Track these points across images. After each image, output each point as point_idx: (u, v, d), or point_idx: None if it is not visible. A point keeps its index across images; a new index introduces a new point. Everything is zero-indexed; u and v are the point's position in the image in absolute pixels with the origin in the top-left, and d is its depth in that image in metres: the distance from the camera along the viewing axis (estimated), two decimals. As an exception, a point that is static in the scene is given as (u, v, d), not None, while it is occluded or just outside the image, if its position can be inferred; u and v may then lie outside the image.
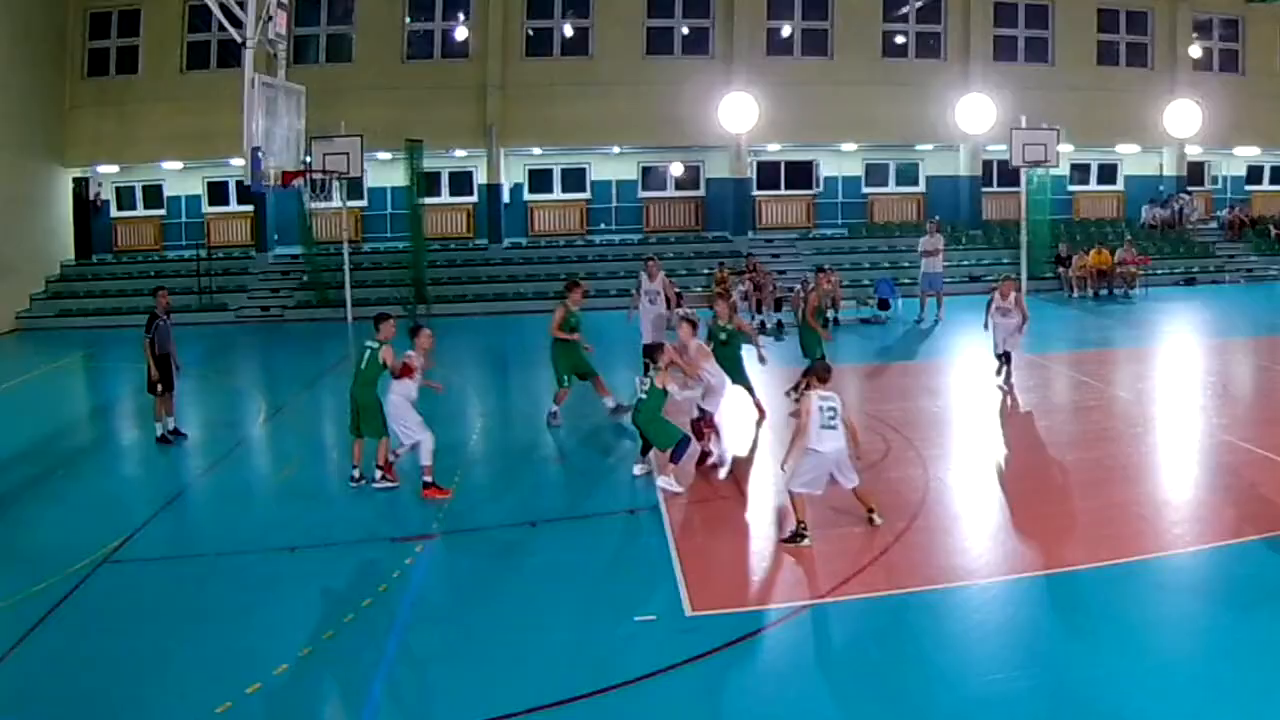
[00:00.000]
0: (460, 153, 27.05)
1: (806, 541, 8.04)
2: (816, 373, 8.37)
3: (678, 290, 18.13)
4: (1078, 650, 6.29)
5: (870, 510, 8.45)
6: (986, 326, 14.29)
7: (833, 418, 7.97)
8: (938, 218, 24.00)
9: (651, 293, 15.14)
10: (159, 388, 12.19)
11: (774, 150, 28.09)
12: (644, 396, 9.82)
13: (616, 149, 27.91)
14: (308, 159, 19.95)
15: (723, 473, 10.25)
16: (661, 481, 9.67)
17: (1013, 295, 14.02)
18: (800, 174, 29.31)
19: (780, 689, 6.24)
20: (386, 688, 6.18)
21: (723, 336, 11.76)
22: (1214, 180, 31.67)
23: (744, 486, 9.96)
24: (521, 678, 6.20)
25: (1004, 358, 14.07)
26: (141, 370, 12.28)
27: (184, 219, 28.19)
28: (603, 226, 28.76)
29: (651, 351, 10.25)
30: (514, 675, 6.25)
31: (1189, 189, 29.23)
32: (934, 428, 12.22)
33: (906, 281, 23.35)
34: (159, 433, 12.23)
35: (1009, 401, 13.42)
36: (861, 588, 7.40)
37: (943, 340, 19.08)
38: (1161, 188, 29.22)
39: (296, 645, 6.62)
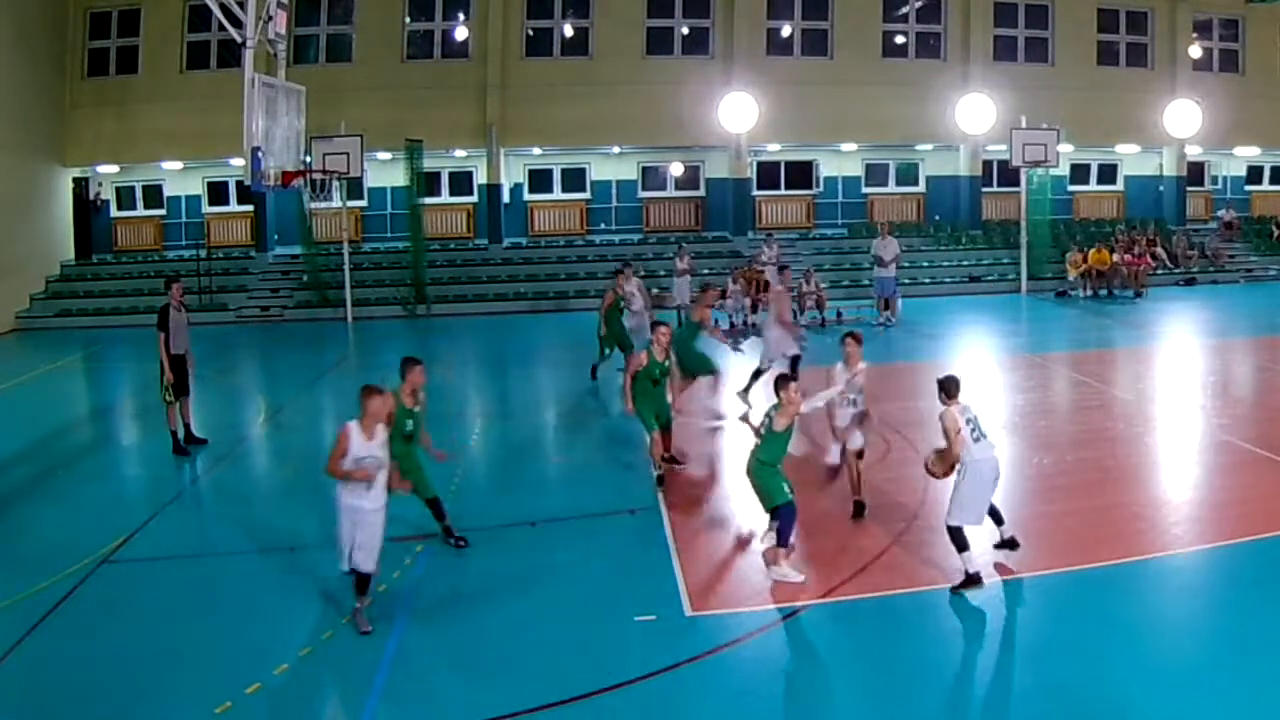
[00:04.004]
0: (460, 153, 27.02)
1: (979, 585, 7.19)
2: (946, 388, 7.53)
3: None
4: (1078, 650, 6.29)
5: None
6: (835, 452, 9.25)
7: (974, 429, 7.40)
8: (888, 221, 23.95)
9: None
10: (173, 392, 11.40)
11: (774, 150, 28.07)
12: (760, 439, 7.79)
13: (616, 149, 27.89)
14: (308, 159, 19.97)
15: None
16: (774, 573, 7.48)
17: (860, 366, 8.70)
18: (800, 174, 29.29)
19: (780, 689, 6.24)
20: (386, 688, 6.18)
21: None
22: (1214, 180, 31.68)
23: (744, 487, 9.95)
24: (521, 678, 6.20)
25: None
26: (143, 369, 12.02)
27: (184, 219, 28.16)
28: (603, 226, 28.75)
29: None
30: (514, 675, 6.25)
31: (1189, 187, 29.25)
32: (934, 428, 12.16)
33: (906, 281, 23.36)
34: (180, 438, 11.53)
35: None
36: (861, 588, 7.40)
37: (942, 340, 19.08)
38: (1162, 188, 29.21)
39: (296, 645, 6.62)
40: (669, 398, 10.24)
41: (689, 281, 21.26)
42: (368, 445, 6.83)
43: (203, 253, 25.24)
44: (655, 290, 23.76)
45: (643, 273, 24.98)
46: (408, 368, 8.17)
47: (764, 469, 7.61)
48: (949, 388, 7.52)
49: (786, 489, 7.55)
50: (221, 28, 16.33)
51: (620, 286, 14.89)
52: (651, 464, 10.11)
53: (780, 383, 7.79)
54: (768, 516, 7.73)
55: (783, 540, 7.48)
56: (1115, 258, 24.67)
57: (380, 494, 6.86)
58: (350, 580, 6.93)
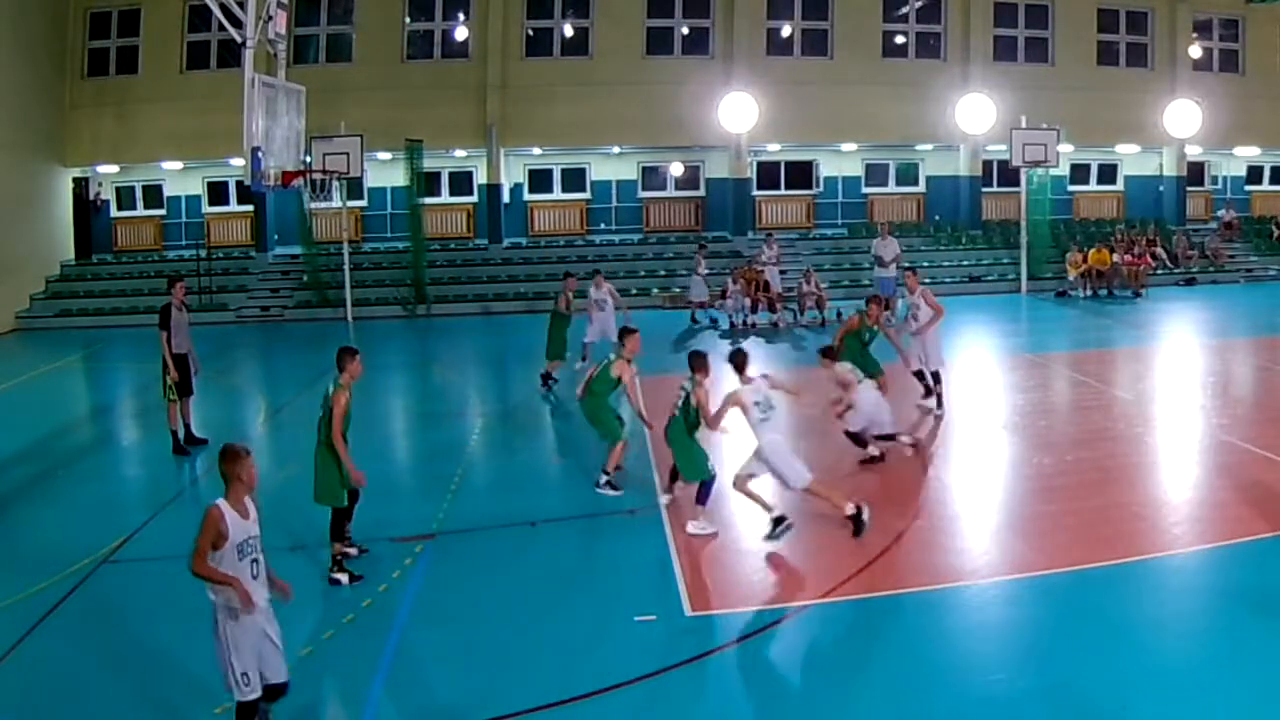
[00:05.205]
0: (460, 153, 27.03)
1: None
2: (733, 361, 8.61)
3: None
4: (1078, 650, 6.29)
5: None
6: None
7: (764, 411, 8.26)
8: (888, 221, 23.95)
9: (914, 306, 13.11)
10: (175, 391, 11.42)
11: (774, 150, 28.07)
12: (677, 411, 8.73)
13: (616, 149, 27.89)
14: (308, 159, 19.97)
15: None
16: (691, 526, 8.50)
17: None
18: (800, 174, 29.30)
19: (780, 689, 6.24)
20: (386, 688, 6.18)
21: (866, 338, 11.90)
22: (1214, 180, 31.68)
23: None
24: (521, 678, 6.20)
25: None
26: (143, 369, 12.09)
27: (184, 219, 28.16)
28: (603, 226, 28.76)
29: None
30: (514, 675, 6.25)
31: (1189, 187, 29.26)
32: (933, 428, 12.21)
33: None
34: (181, 438, 11.57)
35: None
36: (861, 588, 7.40)
37: (942, 340, 18.99)
38: (1162, 188, 29.22)
39: (296, 645, 6.60)
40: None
41: (703, 281, 21.40)
42: (245, 525, 5.30)
43: (203, 253, 25.24)
44: (656, 290, 23.91)
45: (642, 273, 25.21)
46: (348, 358, 7.77)
47: (680, 439, 8.64)
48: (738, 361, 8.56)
49: (709, 466, 8.60)
50: (221, 28, 16.33)
51: (566, 293, 15.21)
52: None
53: (695, 359, 8.65)
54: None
55: (701, 499, 8.54)
56: (1115, 258, 24.67)
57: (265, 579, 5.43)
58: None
